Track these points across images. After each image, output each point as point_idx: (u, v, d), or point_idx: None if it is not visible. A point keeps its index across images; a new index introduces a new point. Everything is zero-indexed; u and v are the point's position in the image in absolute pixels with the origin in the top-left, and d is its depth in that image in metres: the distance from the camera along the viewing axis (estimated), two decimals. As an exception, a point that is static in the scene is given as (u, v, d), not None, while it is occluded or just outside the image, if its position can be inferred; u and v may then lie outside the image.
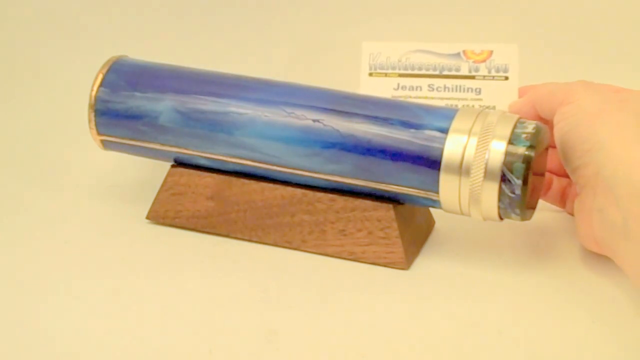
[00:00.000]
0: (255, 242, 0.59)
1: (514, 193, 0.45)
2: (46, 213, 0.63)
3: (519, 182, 0.45)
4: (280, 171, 0.54)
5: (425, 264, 0.57)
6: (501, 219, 0.49)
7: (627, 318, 0.49)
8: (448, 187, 0.48)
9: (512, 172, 0.44)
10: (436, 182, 0.49)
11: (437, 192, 0.50)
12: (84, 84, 0.69)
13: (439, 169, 0.48)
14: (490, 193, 0.46)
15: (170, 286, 0.54)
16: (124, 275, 0.55)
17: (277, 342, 0.49)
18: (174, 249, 0.58)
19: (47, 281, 0.55)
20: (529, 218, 0.50)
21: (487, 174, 0.45)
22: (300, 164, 0.54)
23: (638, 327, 0.47)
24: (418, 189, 0.50)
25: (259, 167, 0.54)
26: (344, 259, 0.56)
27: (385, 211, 0.55)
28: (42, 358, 0.47)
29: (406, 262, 0.55)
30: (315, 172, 0.54)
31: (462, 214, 0.51)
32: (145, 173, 0.66)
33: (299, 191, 0.57)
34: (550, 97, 0.47)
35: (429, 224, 0.60)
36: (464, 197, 0.48)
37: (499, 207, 0.46)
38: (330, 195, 0.56)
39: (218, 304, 0.52)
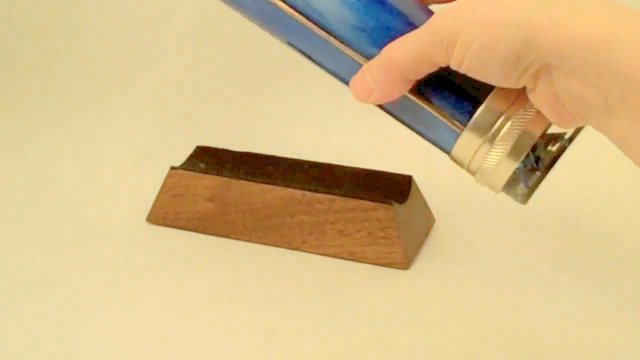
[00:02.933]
0: (255, 242, 0.59)
1: (528, 181, 0.41)
2: (46, 216, 0.64)
3: (539, 173, 0.40)
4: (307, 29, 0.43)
5: (426, 263, 0.56)
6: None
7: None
8: (468, 139, 0.41)
9: (538, 159, 0.40)
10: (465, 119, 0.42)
11: (462, 125, 0.42)
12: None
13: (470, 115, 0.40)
14: (505, 170, 0.40)
15: (170, 287, 0.54)
16: (124, 276, 0.55)
17: (277, 342, 0.49)
18: (174, 251, 0.59)
19: (49, 281, 0.55)
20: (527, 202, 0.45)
21: (512, 150, 0.39)
22: (340, 33, 0.43)
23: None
24: (447, 114, 0.42)
25: (290, 16, 0.43)
26: (344, 259, 0.56)
27: (385, 211, 0.55)
28: (48, 354, 0.47)
29: (406, 262, 0.55)
30: (346, 47, 0.43)
31: (466, 169, 0.44)
32: (144, 175, 0.67)
33: (298, 192, 0.58)
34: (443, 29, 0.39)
35: (429, 222, 0.60)
36: (478, 157, 0.41)
37: (505, 186, 0.41)
38: (329, 196, 0.56)
39: (218, 304, 0.52)
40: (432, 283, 0.55)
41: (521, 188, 0.42)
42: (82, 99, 0.85)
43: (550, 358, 0.46)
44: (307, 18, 0.42)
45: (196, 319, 0.51)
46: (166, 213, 0.61)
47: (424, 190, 0.61)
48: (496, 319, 0.50)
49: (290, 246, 0.59)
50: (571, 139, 0.41)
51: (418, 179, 0.60)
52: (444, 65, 0.39)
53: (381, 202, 0.56)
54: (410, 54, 0.39)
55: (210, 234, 0.61)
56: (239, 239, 0.60)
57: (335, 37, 0.41)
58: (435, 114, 0.42)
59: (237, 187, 0.60)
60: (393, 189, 0.60)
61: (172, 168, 0.61)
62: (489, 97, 0.39)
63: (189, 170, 0.62)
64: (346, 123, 0.80)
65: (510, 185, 0.42)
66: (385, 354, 0.48)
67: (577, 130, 0.41)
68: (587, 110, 0.38)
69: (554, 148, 0.39)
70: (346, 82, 0.43)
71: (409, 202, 0.58)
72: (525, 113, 0.40)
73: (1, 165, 0.75)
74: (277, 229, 0.59)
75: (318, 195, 0.58)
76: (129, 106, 0.84)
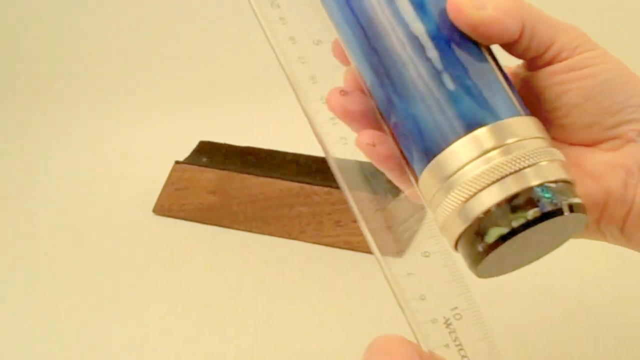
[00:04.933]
0: (256, 233, 0.59)
1: (474, 252, 0.31)
2: (54, 206, 0.65)
3: (482, 248, 0.31)
4: None
5: (419, 251, 0.57)
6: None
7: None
8: (427, 177, 0.33)
9: (485, 234, 0.31)
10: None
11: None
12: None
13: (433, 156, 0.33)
14: (453, 229, 0.32)
15: (174, 274, 0.55)
16: (132, 263, 0.57)
17: (274, 326, 0.50)
18: (179, 240, 0.60)
19: (62, 268, 0.57)
20: (496, 276, 0.35)
21: (462, 212, 0.31)
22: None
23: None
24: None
25: None
26: (340, 248, 0.57)
27: (379, 201, 0.55)
28: (61, 338, 0.48)
29: (400, 250, 0.55)
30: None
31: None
32: (150, 169, 0.69)
33: (296, 185, 0.58)
34: (555, 27, 0.36)
35: (421, 210, 0.58)
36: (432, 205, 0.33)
37: (455, 247, 0.33)
38: (326, 189, 0.57)
39: (219, 291, 0.53)
40: (425, 269, 0.56)
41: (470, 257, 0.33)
42: (92, 99, 0.87)
43: (533, 345, 0.46)
44: None
45: (198, 304, 0.53)
46: (171, 205, 0.62)
47: None
48: (486, 303, 0.51)
49: (289, 236, 0.59)
50: (550, 212, 0.30)
51: None
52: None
53: (375, 192, 0.58)
54: (528, 9, 0.36)
55: (213, 225, 0.62)
56: (240, 229, 0.61)
57: None
58: (506, 85, 0.34)
59: (239, 180, 0.60)
60: (387, 180, 0.61)
61: (177, 162, 0.63)
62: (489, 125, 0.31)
63: (192, 164, 0.64)
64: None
65: (466, 248, 0.32)
66: (378, 334, 0.49)
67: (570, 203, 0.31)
68: None
69: (515, 221, 0.30)
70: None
71: (402, 194, 0.59)
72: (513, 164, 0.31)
73: (20, 160, 0.77)
74: (277, 220, 0.60)
75: (315, 187, 0.59)
76: (135, 104, 0.85)
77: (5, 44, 0.93)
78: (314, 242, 0.59)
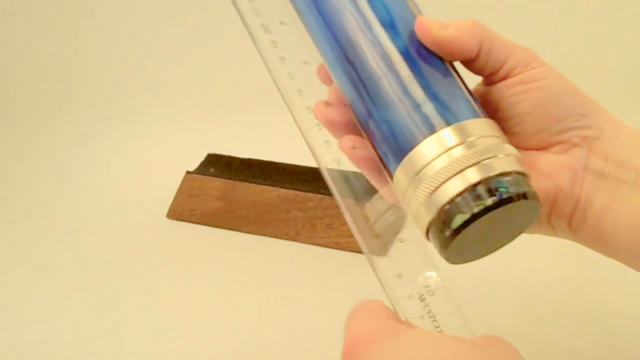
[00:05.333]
0: (257, 234, 0.62)
1: (442, 238, 0.33)
2: (79, 212, 0.68)
3: (448, 233, 0.32)
4: None
5: (401, 249, 0.58)
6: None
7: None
8: (400, 174, 0.34)
9: (450, 220, 0.32)
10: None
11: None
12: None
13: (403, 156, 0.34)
14: (423, 218, 0.33)
15: (186, 271, 0.58)
16: (147, 263, 0.59)
17: (274, 317, 0.52)
18: (190, 242, 0.63)
19: (84, 266, 0.59)
20: (464, 262, 0.36)
21: (429, 202, 0.33)
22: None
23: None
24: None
25: None
26: (331, 248, 0.60)
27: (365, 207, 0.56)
28: (80, 334, 0.51)
29: (383, 249, 0.56)
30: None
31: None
32: (164, 178, 0.69)
33: (292, 192, 0.61)
34: (508, 47, 0.38)
35: (403, 215, 0.61)
36: (405, 197, 0.35)
37: (426, 235, 0.34)
38: (319, 196, 0.60)
39: (224, 285, 0.56)
40: (406, 265, 0.56)
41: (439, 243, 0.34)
42: (112, 116, 0.89)
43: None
44: None
45: (205, 297, 0.55)
46: (183, 210, 0.65)
47: None
48: (465, 298, 0.51)
49: (287, 237, 0.61)
50: (507, 199, 0.32)
51: None
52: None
53: (362, 199, 0.59)
54: (492, 34, 0.38)
55: (219, 228, 0.64)
56: (243, 232, 0.63)
57: None
58: (464, 90, 0.36)
59: (242, 188, 0.63)
60: (372, 187, 0.58)
61: (188, 172, 0.65)
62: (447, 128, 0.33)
63: (201, 174, 0.65)
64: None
65: (435, 235, 0.34)
66: None
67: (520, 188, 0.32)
68: (603, 186, 0.37)
69: (475, 207, 0.31)
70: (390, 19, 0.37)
71: (378, 193, 0.57)
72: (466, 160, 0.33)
73: (49, 170, 0.77)
74: (275, 223, 0.62)
75: (309, 194, 0.61)
76: (150, 120, 0.87)
77: (33, 65, 0.93)
78: (308, 243, 0.61)
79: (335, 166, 0.38)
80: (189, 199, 0.65)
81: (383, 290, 0.35)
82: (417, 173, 0.32)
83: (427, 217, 0.32)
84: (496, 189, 0.31)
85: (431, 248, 0.34)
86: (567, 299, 0.54)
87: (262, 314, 0.53)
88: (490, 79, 0.38)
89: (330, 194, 0.55)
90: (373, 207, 0.38)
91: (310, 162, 0.63)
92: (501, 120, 0.37)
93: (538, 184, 0.35)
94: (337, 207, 0.53)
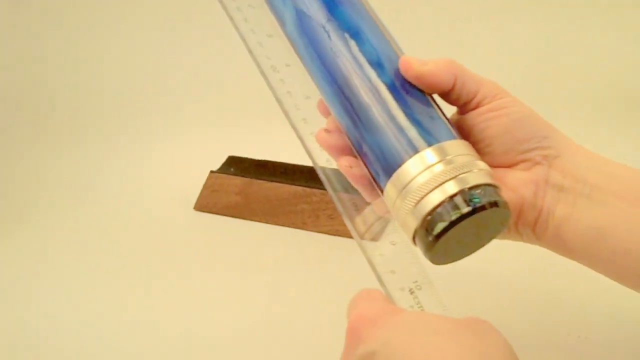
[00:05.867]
0: (270, 224, 0.65)
1: (426, 242, 0.35)
2: (117, 205, 0.70)
3: (431, 239, 0.34)
4: None
5: (388, 240, 0.53)
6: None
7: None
8: (390, 188, 0.36)
9: (432, 227, 0.34)
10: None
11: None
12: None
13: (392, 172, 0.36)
14: (410, 226, 0.35)
15: (210, 256, 0.61)
16: (178, 248, 0.62)
17: (284, 295, 0.55)
18: (214, 230, 0.65)
19: (121, 255, 0.61)
20: (447, 263, 0.37)
21: (414, 211, 0.34)
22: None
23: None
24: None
25: None
26: (333, 235, 0.62)
27: (362, 201, 0.51)
28: (116, 319, 0.53)
29: (377, 236, 0.52)
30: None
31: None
32: (192, 177, 0.71)
33: (300, 188, 0.63)
34: (478, 81, 0.40)
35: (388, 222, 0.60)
36: (393, 208, 0.37)
37: (413, 240, 0.36)
38: (322, 191, 0.62)
39: (242, 267, 0.58)
40: (395, 249, 0.51)
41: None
42: (144, 121, 0.88)
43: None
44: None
45: (226, 278, 0.57)
46: (207, 203, 0.67)
47: None
48: (446, 290, 0.44)
49: (295, 226, 0.64)
50: (478, 207, 0.34)
51: None
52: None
53: (358, 194, 0.51)
54: (465, 72, 0.39)
55: (239, 218, 0.66)
56: (258, 221, 0.65)
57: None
58: (442, 116, 0.38)
59: (257, 185, 0.65)
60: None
61: (211, 172, 0.67)
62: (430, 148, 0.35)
63: (223, 173, 0.67)
64: None
65: (420, 240, 0.35)
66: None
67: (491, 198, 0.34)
68: (563, 200, 0.38)
69: (453, 215, 0.33)
70: (377, 60, 0.38)
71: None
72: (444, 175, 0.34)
73: (88, 169, 0.78)
74: (286, 215, 0.64)
75: (314, 190, 0.63)
76: (179, 126, 0.87)
77: (72, 73, 0.91)
78: (313, 231, 0.63)
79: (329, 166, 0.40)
80: (212, 194, 0.67)
81: (379, 284, 0.36)
82: (404, 187, 0.34)
83: (413, 224, 0.34)
84: (470, 200, 0.33)
85: (418, 250, 0.36)
86: (531, 287, 0.55)
87: (274, 291, 0.55)
88: (464, 108, 0.40)
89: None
90: (364, 219, 0.39)
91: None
92: (474, 142, 0.39)
93: (506, 196, 0.36)
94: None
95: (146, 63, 0.94)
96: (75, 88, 0.90)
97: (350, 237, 0.54)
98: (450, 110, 0.40)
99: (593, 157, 0.39)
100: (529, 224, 0.39)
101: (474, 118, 0.39)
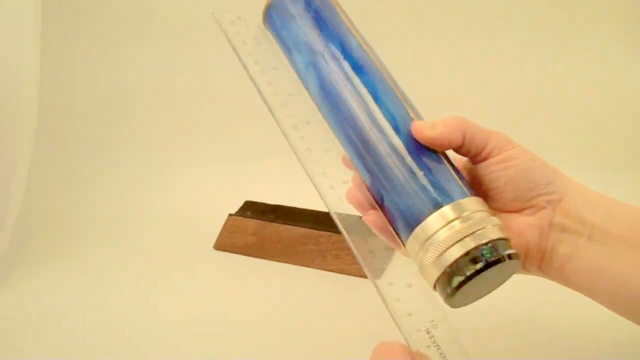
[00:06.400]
0: (282, 262, 0.67)
1: (446, 292, 0.36)
2: (145, 244, 0.73)
3: (449, 290, 0.36)
4: None
5: (404, 282, 0.52)
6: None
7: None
8: (412, 241, 0.38)
9: (451, 280, 0.36)
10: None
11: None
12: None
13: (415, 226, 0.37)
14: (432, 276, 0.37)
15: (229, 289, 0.63)
16: (199, 282, 0.64)
17: (295, 325, 0.55)
18: (232, 267, 0.67)
19: (147, 287, 0.64)
20: (464, 305, 0.39)
21: (436, 263, 0.36)
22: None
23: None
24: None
25: None
26: (338, 273, 0.64)
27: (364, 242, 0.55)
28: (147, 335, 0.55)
29: (378, 274, 0.53)
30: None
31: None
32: (212, 219, 0.73)
33: (308, 230, 0.65)
34: (486, 134, 0.40)
35: (392, 248, 0.55)
36: (416, 258, 0.38)
37: (434, 287, 0.37)
38: (328, 233, 0.64)
39: (257, 301, 0.60)
40: (394, 287, 0.50)
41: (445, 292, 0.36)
42: (173, 167, 0.90)
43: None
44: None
45: (242, 311, 0.58)
46: (226, 243, 0.70)
47: None
48: (461, 329, 0.43)
49: (305, 265, 0.66)
50: (487, 264, 0.35)
51: None
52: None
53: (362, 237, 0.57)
54: (476, 128, 0.39)
55: (254, 257, 0.68)
56: (272, 260, 0.67)
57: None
58: (455, 175, 0.39)
59: (271, 227, 0.68)
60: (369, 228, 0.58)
61: (230, 215, 0.70)
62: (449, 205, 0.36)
63: (240, 216, 0.70)
64: (341, 188, 0.71)
65: (440, 289, 0.37)
66: (362, 330, 0.54)
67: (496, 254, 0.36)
68: (566, 240, 0.39)
69: (468, 271, 0.35)
70: (395, 126, 0.39)
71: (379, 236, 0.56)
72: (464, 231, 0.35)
73: (119, 207, 0.80)
74: (296, 254, 0.66)
75: (322, 232, 0.65)
76: (201, 175, 0.88)
77: (94, 117, 0.94)
78: (320, 269, 0.65)
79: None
80: (230, 235, 0.69)
81: (397, 327, 0.36)
82: (426, 240, 0.36)
83: (435, 274, 0.36)
84: (485, 254, 0.35)
85: (436, 294, 0.37)
86: (538, 320, 0.56)
87: (285, 322, 0.57)
88: (474, 160, 0.41)
89: (337, 232, 0.57)
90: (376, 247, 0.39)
91: (322, 208, 0.60)
92: (485, 190, 0.40)
93: (514, 241, 0.38)
94: (342, 241, 0.61)
95: (173, 117, 0.96)
96: (107, 134, 0.93)
97: (354, 275, 0.62)
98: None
99: (595, 197, 0.40)
100: (535, 263, 0.40)
101: (485, 169, 0.40)
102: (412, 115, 0.40)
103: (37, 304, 0.61)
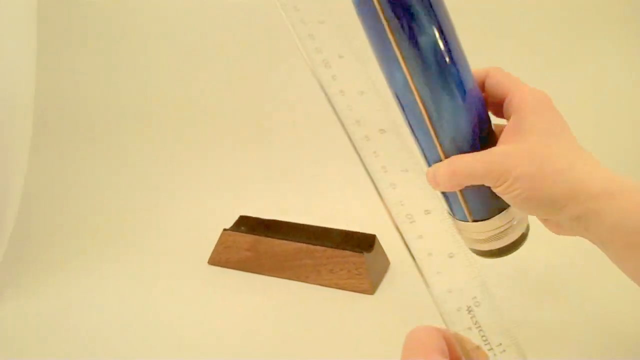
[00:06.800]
0: (277, 277, 0.67)
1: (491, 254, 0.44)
2: (140, 259, 0.73)
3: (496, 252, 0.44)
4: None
5: (384, 290, 0.64)
6: None
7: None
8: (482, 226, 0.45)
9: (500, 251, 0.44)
10: None
11: None
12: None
13: None
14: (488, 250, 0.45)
15: (223, 304, 0.63)
16: (194, 296, 0.64)
17: (289, 339, 0.56)
18: (226, 282, 0.67)
19: (145, 301, 0.64)
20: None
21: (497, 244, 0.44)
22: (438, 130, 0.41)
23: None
24: None
25: None
26: (333, 287, 0.64)
27: (358, 257, 0.63)
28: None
29: (372, 290, 0.63)
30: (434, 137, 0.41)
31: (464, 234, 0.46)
32: (207, 234, 0.73)
33: (303, 245, 0.65)
34: (481, 173, 0.39)
35: (386, 264, 0.68)
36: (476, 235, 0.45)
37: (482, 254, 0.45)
38: (323, 248, 0.64)
39: (252, 315, 0.60)
40: (388, 302, 0.61)
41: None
42: (170, 187, 0.90)
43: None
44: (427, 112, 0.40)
45: (238, 325, 0.59)
46: (220, 258, 0.69)
47: (383, 244, 0.67)
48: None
49: (299, 279, 0.66)
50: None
51: (379, 236, 0.67)
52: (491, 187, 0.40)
53: (356, 251, 0.63)
54: (467, 176, 0.39)
55: (249, 272, 0.68)
56: (266, 275, 0.67)
57: (434, 130, 0.40)
58: (463, 204, 0.43)
59: (266, 242, 0.67)
60: (363, 243, 0.67)
61: (224, 230, 0.70)
62: (501, 215, 0.43)
63: (235, 231, 0.69)
64: (336, 200, 0.86)
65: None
66: (357, 344, 0.54)
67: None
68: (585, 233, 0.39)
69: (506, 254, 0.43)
70: (424, 155, 0.42)
71: (373, 251, 0.65)
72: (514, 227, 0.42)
73: (120, 228, 0.81)
74: (291, 269, 0.66)
75: (316, 247, 0.65)
76: (196, 190, 0.90)
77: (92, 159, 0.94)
78: (315, 284, 0.65)
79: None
80: (225, 250, 0.69)
81: (435, 306, 0.34)
82: (492, 231, 0.43)
83: (491, 248, 0.44)
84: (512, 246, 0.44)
85: (478, 261, 0.40)
86: (567, 286, 0.60)
87: (280, 337, 0.57)
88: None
89: (331, 246, 0.64)
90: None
91: (316, 222, 0.69)
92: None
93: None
94: (337, 256, 0.63)
95: (168, 133, 0.97)
96: (102, 149, 0.94)
97: (349, 289, 0.62)
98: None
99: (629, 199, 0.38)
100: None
101: (500, 195, 0.42)
102: (440, 152, 0.41)
103: (23, 327, 0.61)
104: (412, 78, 0.39)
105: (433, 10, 0.37)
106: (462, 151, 0.40)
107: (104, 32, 0.96)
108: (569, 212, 0.37)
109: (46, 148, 0.89)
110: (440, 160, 0.41)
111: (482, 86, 0.42)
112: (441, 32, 0.37)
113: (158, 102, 0.97)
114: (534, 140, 0.38)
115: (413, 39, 0.38)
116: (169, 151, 0.96)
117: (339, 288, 0.64)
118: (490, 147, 0.40)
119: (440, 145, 0.40)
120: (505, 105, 0.41)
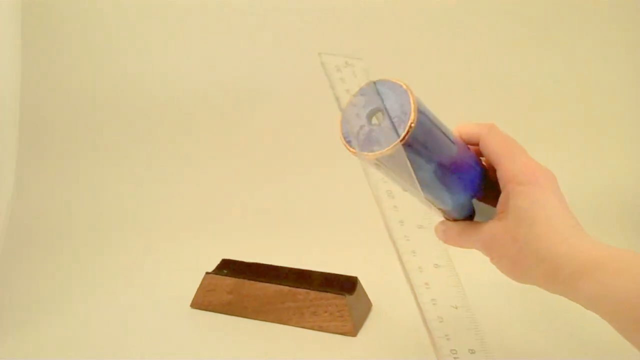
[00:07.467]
0: (260, 320, 0.67)
1: None
2: (122, 302, 0.73)
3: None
4: None
5: (366, 332, 0.64)
6: None
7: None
8: None
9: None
10: None
11: None
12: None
13: None
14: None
15: (206, 346, 0.63)
16: (177, 339, 0.64)
17: None
18: (208, 325, 0.67)
19: (127, 340, 0.64)
20: None
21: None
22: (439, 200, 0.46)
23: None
24: None
25: None
26: (315, 330, 0.65)
27: (340, 300, 0.63)
28: None
29: (354, 332, 0.63)
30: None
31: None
32: (190, 277, 0.73)
33: (286, 288, 0.65)
34: (473, 238, 0.43)
35: (368, 306, 0.68)
36: None
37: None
38: (305, 291, 0.65)
39: (235, 357, 0.60)
40: (371, 344, 0.62)
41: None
42: (148, 229, 0.90)
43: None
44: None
45: None
46: (203, 301, 0.69)
47: (365, 286, 0.68)
48: None
49: (282, 322, 0.66)
50: None
51: (361, 278, 0.68)
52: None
53: (338, 294, 0.63)
54: (457, 246, 0.45)
55: (231, 315, 0.68)
56: (249, 318, 0.67)
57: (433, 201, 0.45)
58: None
59: (248, 285, 0.67)
60: (345, 285, 0.67)
61: (207, 273, 0.70)
62: None
63: (217, 274, 0.69)
64: (316, 245, 0.87)
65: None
66: None
67: None
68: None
69: None
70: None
71: (355, 294, 0.65)
72: None
73: (100, 269, 0.80)
74: (273, 312, 0.66)
75: (299, 290, 0.65)
76: (179, 234, 0.90)
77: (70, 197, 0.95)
78: (298, 326, 0.65)
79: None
80: (207, 293, 0.69)
81: (432, 345, 0.36)
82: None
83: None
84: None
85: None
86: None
87: None
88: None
89: (313, 289, 0.64)
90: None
91: (299, 265, 0.70)
92: None
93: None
94: (319, 298, 0.63)
95: (151, 174, 0.97)
96: (85, 187, 0.94)
97: (332, 332, 0.63)
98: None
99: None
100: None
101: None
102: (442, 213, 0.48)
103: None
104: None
105: (429, 150, 0.41)
106: (461, 215, 0.46)
107: (92, 30, 0.96)
108: (549, 288, 0.40)
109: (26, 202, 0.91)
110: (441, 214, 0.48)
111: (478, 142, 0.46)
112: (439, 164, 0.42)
113: (136, 148, 0.98)
114: (516, 221, 0.41)
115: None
116: (152, 193, 0.95)
117: (322, 330, 0.64)
118: (490, 193, 0.45)
119: (441, 210, 0.47)
120: (497, 175, 0.45)
